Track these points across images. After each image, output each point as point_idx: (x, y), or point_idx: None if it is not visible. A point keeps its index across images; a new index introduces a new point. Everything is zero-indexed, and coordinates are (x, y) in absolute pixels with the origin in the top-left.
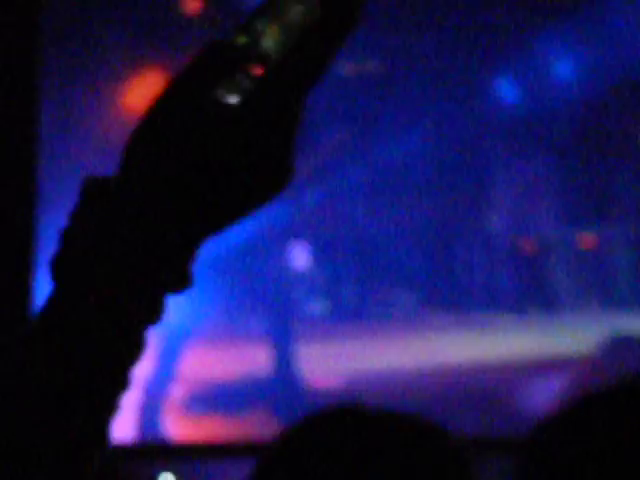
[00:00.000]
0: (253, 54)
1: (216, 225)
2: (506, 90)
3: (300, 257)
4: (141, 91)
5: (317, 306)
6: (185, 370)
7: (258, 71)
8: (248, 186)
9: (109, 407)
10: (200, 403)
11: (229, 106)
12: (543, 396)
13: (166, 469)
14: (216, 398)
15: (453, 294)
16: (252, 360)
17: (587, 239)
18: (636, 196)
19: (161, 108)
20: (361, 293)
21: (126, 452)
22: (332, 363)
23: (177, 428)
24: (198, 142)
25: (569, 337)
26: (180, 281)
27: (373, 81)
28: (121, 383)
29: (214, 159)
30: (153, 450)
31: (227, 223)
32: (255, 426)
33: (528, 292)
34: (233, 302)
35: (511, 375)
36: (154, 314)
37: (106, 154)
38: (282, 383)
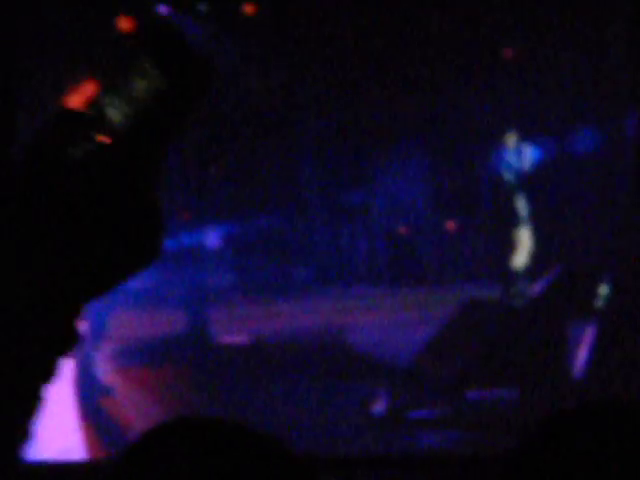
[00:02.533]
0: (99, 124)
1: (92, 290)
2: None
3: (212, 238)
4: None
5: (224, 279)
6: (116, 329)
7: (105, 139)
8: (116, 250)
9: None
10: (128, 357)
11: (80, 172)
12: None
13: None
14: (141, 353)
15: (342, 271)
16: (172, 322)
17: (450, 225)
18: (495, 193)
19: (22, 172)
20: (265, 270)
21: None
22: (238, 326)
23: (108, 377)
24: (59, 205)
25: (437, 300)
26: (68, 341)
27: None
28: (23, 433)
29: (77, 222)
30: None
31: (98, 289)
32: (173, 379)
33: (403, 267)
34: (158, 275)
35: (393, 330)
36: (47, 374)
37: None
38: (197, 340)
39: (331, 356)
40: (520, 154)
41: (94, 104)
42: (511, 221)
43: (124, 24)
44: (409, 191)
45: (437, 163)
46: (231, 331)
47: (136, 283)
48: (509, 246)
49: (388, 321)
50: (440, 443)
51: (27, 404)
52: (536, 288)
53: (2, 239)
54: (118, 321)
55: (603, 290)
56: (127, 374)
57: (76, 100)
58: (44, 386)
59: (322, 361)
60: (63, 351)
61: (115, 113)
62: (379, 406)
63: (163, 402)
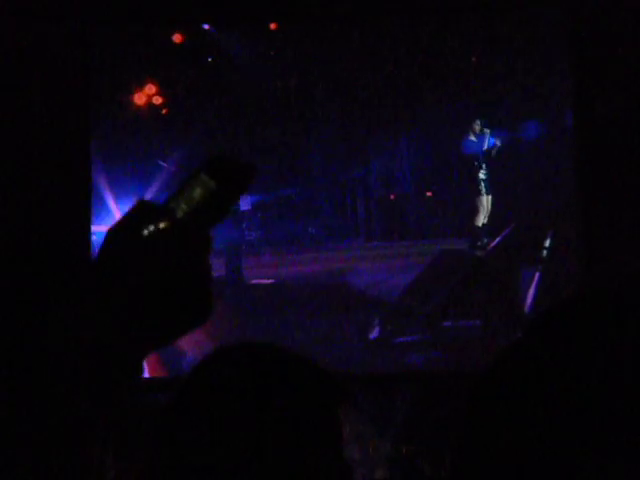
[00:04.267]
0: (167, 215)
1: (160, 343)
2: None
3: (245, 204)
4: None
5: (254, 234)
6: None
7: (168, 225)
8: (178, 317)
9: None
10: None
11: (151, 246)
12: (407, 283)
13: None
14: None
15: (344, 228)
16: (216, 267)
17: (429, 193)
18: (463, 169)
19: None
20: (285, 228)
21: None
22: (264, 271)
23: None
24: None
25: (418, 251)
26: (137, 374)
27: None
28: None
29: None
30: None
31: (167, 342)
32: (217, 309)
33: (393, 226)
34: None
35: (385, 274)
36: (126, 396)
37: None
38: (234, 282)
39: (336, 294)
40: (483, 139)
41: (165, 204)
42: (475, 191)
43: (177, 38)
44: (398, 168)
45: (420, 146)
46: (259, 274)
47: None
48: (474, 210)
49: (380, 267)
50: (421, 362)
51: (117, 417)
52: (495, 242)
53: (94, 302)
54: None
55: (547, 243)
56: None
57: (140, 98)
58: (126, 403)
59: (329, 297)
60: (134, 380)
61: (178, 209)
62: (374, 333)
63: (209, 330)
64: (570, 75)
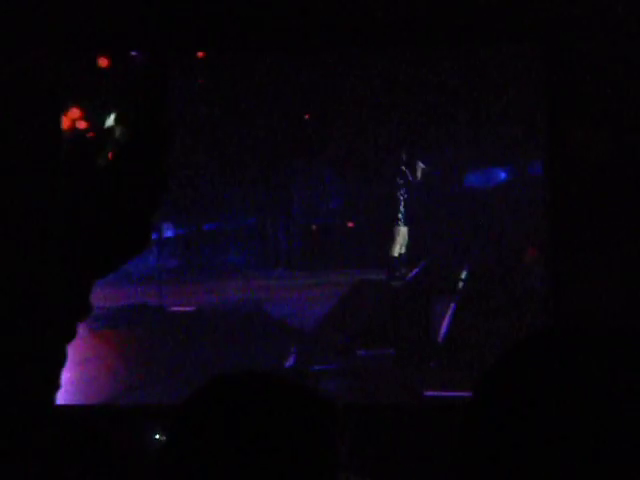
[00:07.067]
0: (109, 144)
1: (99, 272)
2: None
3: (168, 231)
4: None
5: (175, 261)
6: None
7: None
8: (118, 245)
9: None
10: (98, 321)
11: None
12: (325, 313)
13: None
14: (107, 319)
15: (265, 257)
16: (134, 294)
17: (350, 224)
18: (381, 195)
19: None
20: (206, 256)
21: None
22: (185, 297)
23: (86, 337)
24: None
25: (338, 281)
26: (85, 310)
27: None
28: (55, 382)
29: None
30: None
31: (106, 271)
32: (133, 338)
33: (314, 256)
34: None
35: (304, 303)
36: (71, 334)
37: None
38: (152, 309)
39: (254, 322)
40: (407, 175)
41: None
42: (394, 221)
43: (102, 62)
44: (320, 199)
45: (343, 175)
46: (179, 302)
47: None
48: (391, 240)
49: (300, 297)
50: (336, 390)
51: (56, 358)
52: (412, 273)
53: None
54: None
55: (462, 276)
56: (96, 335)
57: (65, 122)
58: (68, 343)
59: (248, 325)
60: (81, 317)
61: (120, 136)
62: (290, 361)
63: (127, 355)
64: (543, 119)
